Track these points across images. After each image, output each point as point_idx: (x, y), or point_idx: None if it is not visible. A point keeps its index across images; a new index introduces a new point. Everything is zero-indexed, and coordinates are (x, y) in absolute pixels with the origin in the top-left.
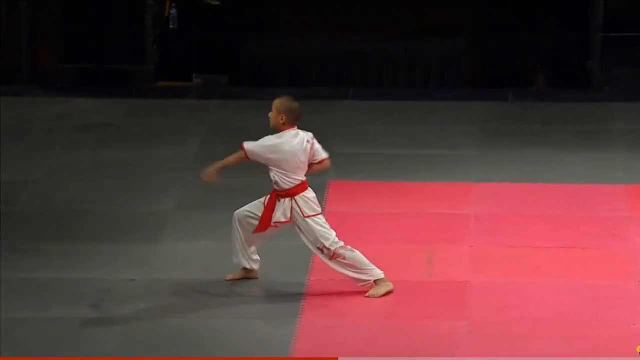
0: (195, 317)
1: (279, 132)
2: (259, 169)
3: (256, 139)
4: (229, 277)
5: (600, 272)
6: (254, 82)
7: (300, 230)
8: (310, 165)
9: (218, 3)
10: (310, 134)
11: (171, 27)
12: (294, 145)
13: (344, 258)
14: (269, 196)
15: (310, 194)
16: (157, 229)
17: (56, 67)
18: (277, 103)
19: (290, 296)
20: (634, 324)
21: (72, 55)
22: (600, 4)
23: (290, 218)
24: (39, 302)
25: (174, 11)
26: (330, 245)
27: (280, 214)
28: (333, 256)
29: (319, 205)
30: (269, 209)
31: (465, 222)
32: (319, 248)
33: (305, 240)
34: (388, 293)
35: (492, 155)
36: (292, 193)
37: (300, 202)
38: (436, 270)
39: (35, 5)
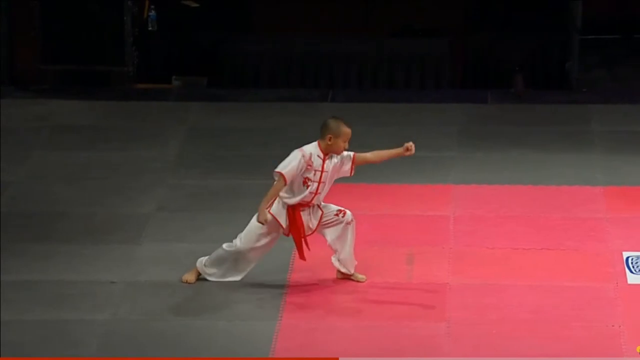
0: (177, 318)
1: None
2: (240, 170)
3: (237, 140)
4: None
5: (580, 273)
6: (233, 84)
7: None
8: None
9: (197, 5)
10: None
11: (150, 28)
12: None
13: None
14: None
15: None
16: (138, 231)
17: (35, 68)
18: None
19: (270, 296)
20: (613, 325)
21: (51, 57)
22: (578, 5)
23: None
24: (19, 304)
25: (152, 13)
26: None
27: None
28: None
29: None
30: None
31: (445, 224)
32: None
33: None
34: None
35: (471, 156)
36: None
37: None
38: (416, 271)
39: (14, 6)
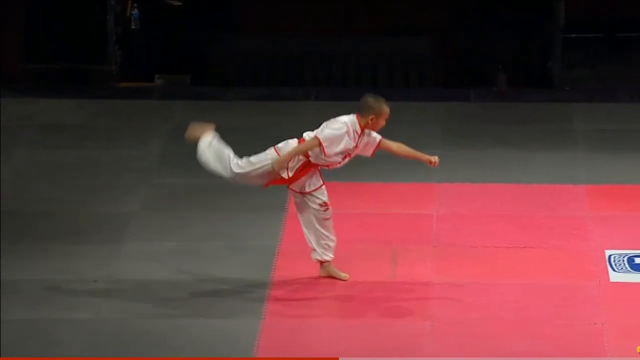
0: (160, 317)
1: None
2: None
3: (222, 138)
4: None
5: (562, 271)
6: (217, 83)
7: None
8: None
9: (180, 3)
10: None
11: (133, 27)
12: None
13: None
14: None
15: None
16: (121, 230)
17: (19, 67)
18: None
19: (254, 295)
20: (595, 323)
21: (34, 56)
22: (561, 4)
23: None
24: (2, 303)
25: (135, 11)
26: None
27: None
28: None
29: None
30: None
31: (429, 222)
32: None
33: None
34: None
35: (455, 155)
36: None
37: None
38: (400, 270)
39: None
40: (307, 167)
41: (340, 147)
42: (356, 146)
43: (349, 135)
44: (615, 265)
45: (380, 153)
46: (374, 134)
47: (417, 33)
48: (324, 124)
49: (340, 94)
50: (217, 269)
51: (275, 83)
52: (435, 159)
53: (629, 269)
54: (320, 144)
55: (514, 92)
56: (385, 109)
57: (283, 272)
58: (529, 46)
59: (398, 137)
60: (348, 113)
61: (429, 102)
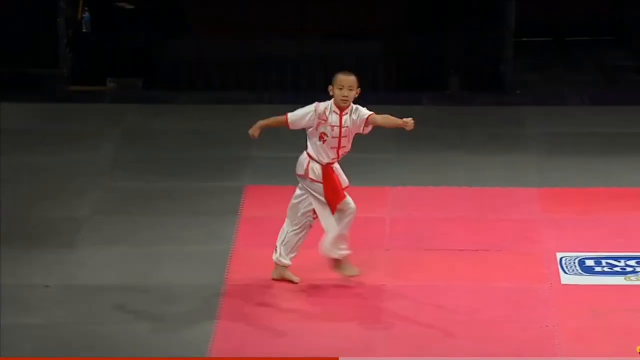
0: (113, 322)
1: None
2: (176, 173)
3: (173, 143)
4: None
5: (515, 274)
6: (169, 86)
7: None
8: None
9: (132, 7)
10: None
11: (84, 30)
12: None
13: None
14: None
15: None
16: (73, 234)
17: None
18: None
19: (207, 299)
20: (547, 326)
21: None
22: (512, 8)
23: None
24: None
25: (87, 15)
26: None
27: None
28: None
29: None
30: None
31: (381, 226)
32: None
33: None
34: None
35: (407, 158)
36: None
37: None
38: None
39: None
40: (327, 169)
41: (303, 123)
42: (341, 125)
43: (316, 113)
44: (567, 267)
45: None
46: (363, 111)
47: (369, 36)
48: None
49: (292, 97)
50: (169, 273)
51: (228, 87)
52: (409, 120)
53: (580, 271)
54: (286, 120)
55: (465, 95)
56: (339, 76)
57: (236, 275)
58: (481, 50)
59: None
60: None
61: (381, 105)
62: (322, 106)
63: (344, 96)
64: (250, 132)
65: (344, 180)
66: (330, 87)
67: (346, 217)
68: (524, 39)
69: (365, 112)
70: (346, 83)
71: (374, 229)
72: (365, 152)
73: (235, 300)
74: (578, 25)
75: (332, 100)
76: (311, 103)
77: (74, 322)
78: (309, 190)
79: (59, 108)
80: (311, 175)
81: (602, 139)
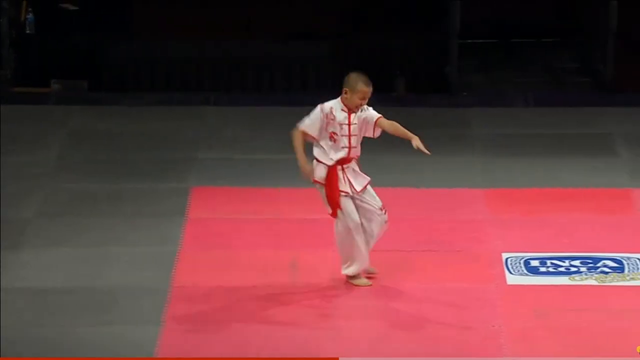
0: (58, 324)
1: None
2: (121, 174)
3: (118, 144)
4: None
5: (460, 274)
6: (114, 88)
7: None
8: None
9: (76, 8)
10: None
11: (28, 31)
12: None
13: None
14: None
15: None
16: (17, 236)
17: None
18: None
19: (154, 301)
20: (493, 326)
21: None
22: (456, 10)
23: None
24: None
25: (30, 16)
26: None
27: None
28: None
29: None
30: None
31: (328, 227)
32: None
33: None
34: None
35: None
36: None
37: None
38: (300, 275)
39: None
40: (331, 170)
41: (317, 126)
42: (350, 123)
43: (323, 113)
44: (512, 268)
45: (280, 157)
46: (371, 112)
47: (316, 38)
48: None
49: (240, 99)
50: (116, 275)
51: (174, 88)
52: (417, 142)
53: (525, 271)
54: (303, 132)
55: (412, 97)
56: (361, 86)
57: (183, 277)
58: (426, 52)
59: None
60: (247, 118)
61: None
62: (327, 106)
63: (361, 104)
64: (306, 173)
65: (359, 181)
66: (345, 90)
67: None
68: (469, 41)
69: (374, 113)
70: (368, 95)
71: (321, 230)
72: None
73: (182, 301)
74: (523, 27)
75: (339, 99)
76: (257, 105)
77: (18, 324)
78: (321, 194)
79: (3, 109)
80: (318, 179)
81: (547, 140)
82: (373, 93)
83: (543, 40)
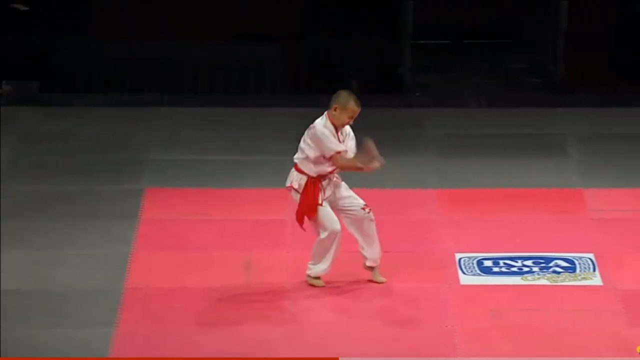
0: (9, 327)
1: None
2: (72, 176)
3: (70, 146)
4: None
5: (413, 275)
6: (66, 89)
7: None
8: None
9: (27, 8)
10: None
11: None
12: None
13: None
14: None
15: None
16: None
17: None
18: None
19: (108, 303)
20: (446, 326)
21: None
22: (409, 11)
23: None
24: None
25: None
26: None
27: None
28: None
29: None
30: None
31: (282, 228)
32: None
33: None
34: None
35: None
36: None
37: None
38: (254, 276)
39: None
40: (314, 181)
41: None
42: (338, 141)
43: (329, 131)
44: (465, 268)
45: (233, 159)
46: (352, 141)
47: (270, 39)
48: (314, 138)
49: (192, 99)
50: (68, 278)
51: (126, 89)
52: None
53: (478, 271)
54: (340, 152)
55: (365, 97)
56: (352, 105)
57: (137, 279)
58: (380, 52)
59: (251, 143)
60: (200, 119)
61: (282, 107)
62: (327, 125)
63: (347, 123)
64: (378, 163)
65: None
66: (335, 107)
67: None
68: (422, 42)
69: (352, 144)
70: (356, 115)
71: (275, 231)
72: (264, 155)
73: (135, 303)
74: (475, 28)
75: (325, 116)
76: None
77: None
78: (295, 201)
79: None
80: (295, 186)
81: (500, 141)
82: (326, 94)
83: (495, 41)
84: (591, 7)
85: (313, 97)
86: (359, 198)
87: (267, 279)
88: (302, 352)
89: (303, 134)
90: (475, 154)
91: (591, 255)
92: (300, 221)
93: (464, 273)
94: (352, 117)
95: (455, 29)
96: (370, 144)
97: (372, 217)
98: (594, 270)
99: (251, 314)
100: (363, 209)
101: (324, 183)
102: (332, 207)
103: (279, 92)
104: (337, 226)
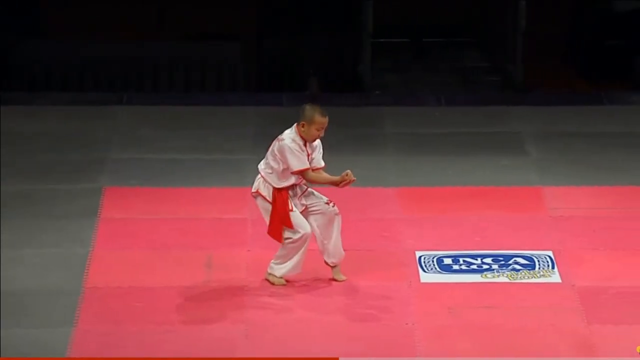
0: None
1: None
2: (31, 176)
3: (29, 145)
4: None
5: (373, 273)
6: (24, 88)
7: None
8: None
9: None
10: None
11: None
12: None
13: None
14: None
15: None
16: None
17: None
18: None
19: (66, 303)
20: (407, 323)
21: None
22: (369, 10)
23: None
24: None
25: None
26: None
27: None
28: None
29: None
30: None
31: (243, 226)
32: None
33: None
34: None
35: None
36: None
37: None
38: (214, 274)
39: None
40: (282, 192)
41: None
42: (308, 154)
43: (298, 146)
44: (425, 266)
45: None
46: (320, 155)
47: (229, 37)
48: (280, 151)
49: (152, 98)
50: (26, 278)
51: (85, 88)
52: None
53: (438, 269)
54: (303, 170)
55: (325, 96)
56: (318, 117)
57: (96, 278)
58: (340, 51)
59: (211, 141)
60: (160, 118)
61: (242, 106)
62: (295, 139)
63: (319, 136)
64: (347, 179)
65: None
66: (303, 123)
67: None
68: (382, 40)
69: (319, 156)
70: (325, 125)
71: (235, 229)
72: (224, 153)
73: (94, 303)
74: (435, 27)
75: (294, 130)
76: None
77: None
78: (260, 208)
79: None
80: (264, 194)
81: (459, 139)
82: (286, 92)
83: (454, 40)
84: (549, 7)
85: (274, 95)
86: (322, 195)
87: (228, 278)
88: (262, 350)
89: (262, 132)
90: (435, 153)
91: (550, 253)
92: (277, 236)
93: (424, 271)
94: (321, 129)
95: (414, 28)
96: (349, 174)
97: (337, 211)
98: (553, 267)
99: (212, 313)
100: (327, 203)
101: (291, 192)
102: (302, 212)
103: (240, 90)
104: (309, 228)
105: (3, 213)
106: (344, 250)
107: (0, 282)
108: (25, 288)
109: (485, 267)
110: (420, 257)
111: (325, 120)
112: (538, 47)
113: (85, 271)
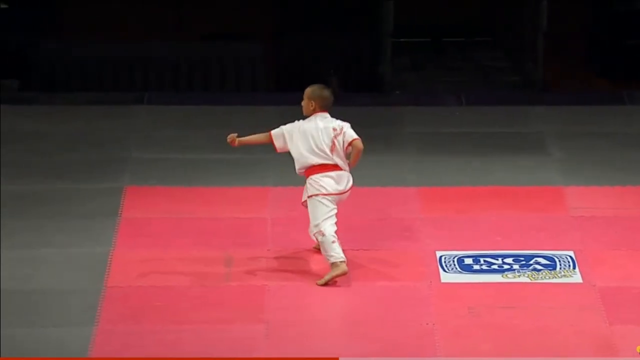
0: None
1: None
2: (50, 175)
3: (50, 145)
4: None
5: (394, 273)
6: (46, 87)
7: None
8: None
9: (5, 5)
10: (343, 123)
11: None
12: (308, 127)
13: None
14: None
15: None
16: None
17: None
18: (308, 91)
19: (88, 303)
20: (427, 324)
21: None
22: (390, 9)
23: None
24: None
25: None
26: (311, 229)
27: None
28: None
29: (324, 187)
30: None
31: (262, 226)
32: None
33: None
34: (338, 275)
35: (287, 159)
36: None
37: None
38: (234, 274)
39: None
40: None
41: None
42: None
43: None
44: (446, 266)
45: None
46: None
47: (248, 37)
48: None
49: (172, 98)
50: (48, 277)
51: (106, 87)
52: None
53: (459, 269)
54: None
55: (345, 96)
56: (309, 90)
57: (117, 278)
58: (360, 50)
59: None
60: (180, 117)
61: (262, 105)
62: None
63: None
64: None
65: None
66: (311, 102)
67: None
68: (402, 40)
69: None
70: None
71: (255, 229)
72: (245, 153)
73: (115, 302)
74: (455, 26)
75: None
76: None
77: None
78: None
79: None
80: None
81: (479, 139)
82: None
83: (474, 39)
84: (569, 5)
85: (293, 95)
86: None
87: (248, 277)
88: (283, 350)
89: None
90: (455, 152)
91: (571, 253)
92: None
93: (444, 271)
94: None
95: (434, 27)
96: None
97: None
98: (574, 267)
99: (232, 312)
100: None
101: None
102: None
103: (260, 90)
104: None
105: (24, 212)
106: (364, 250)
107: (22, 282)
108: (46, 287)
109: (506, 267)
110: (440, 257)
111: (314, 93)
112: (558, 46)
113: (107, 270)
